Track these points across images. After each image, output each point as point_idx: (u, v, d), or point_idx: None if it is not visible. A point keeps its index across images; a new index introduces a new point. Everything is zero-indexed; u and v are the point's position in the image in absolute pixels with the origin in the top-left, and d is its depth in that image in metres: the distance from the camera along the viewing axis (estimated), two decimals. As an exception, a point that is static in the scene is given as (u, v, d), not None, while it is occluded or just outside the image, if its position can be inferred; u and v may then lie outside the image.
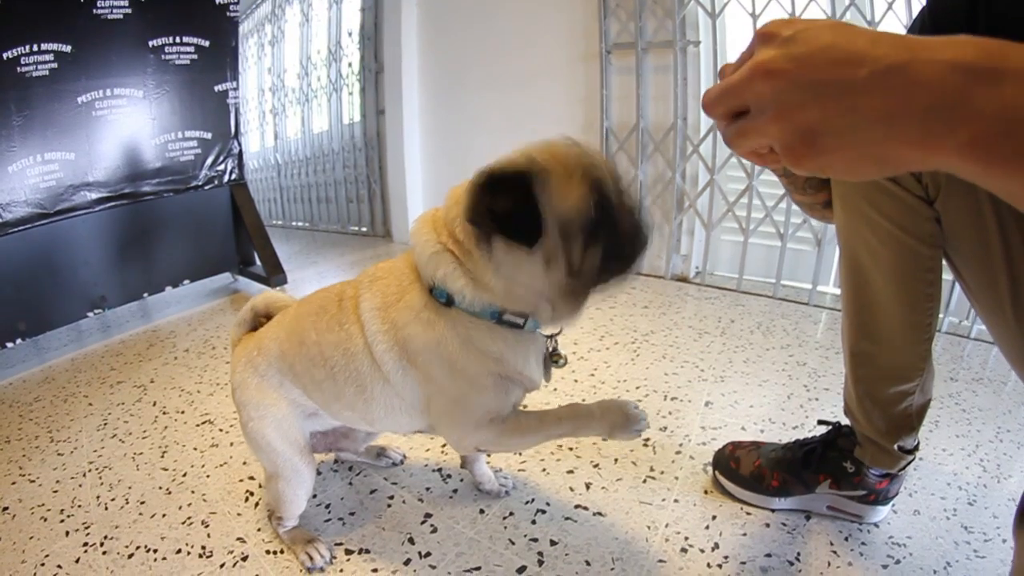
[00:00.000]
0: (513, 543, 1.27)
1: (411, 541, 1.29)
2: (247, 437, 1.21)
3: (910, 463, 1.21)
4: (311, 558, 1.22)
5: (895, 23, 2.14)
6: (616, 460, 1.52)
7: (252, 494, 1.47)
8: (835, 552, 1.20)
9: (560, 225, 0.89)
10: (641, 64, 2.79)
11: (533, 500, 1.39)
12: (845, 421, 1.28)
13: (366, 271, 1.12)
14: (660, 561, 1.21)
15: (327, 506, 1.42)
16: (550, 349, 1.11)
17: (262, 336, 1.24)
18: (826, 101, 0.41)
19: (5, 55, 2.15)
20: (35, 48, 2.22)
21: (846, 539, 1.24)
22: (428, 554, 1.25)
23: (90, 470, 1.61)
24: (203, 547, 1.31)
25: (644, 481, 1.45)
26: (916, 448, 1.20)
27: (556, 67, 3.09)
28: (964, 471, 1.44)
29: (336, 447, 1.47)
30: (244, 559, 1.26)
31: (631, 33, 2.79)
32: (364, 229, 4.33)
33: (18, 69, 2.19)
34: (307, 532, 1.29)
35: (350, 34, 3.81)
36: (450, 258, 0.97)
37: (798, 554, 1.20)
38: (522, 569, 1.20)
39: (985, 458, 1.48)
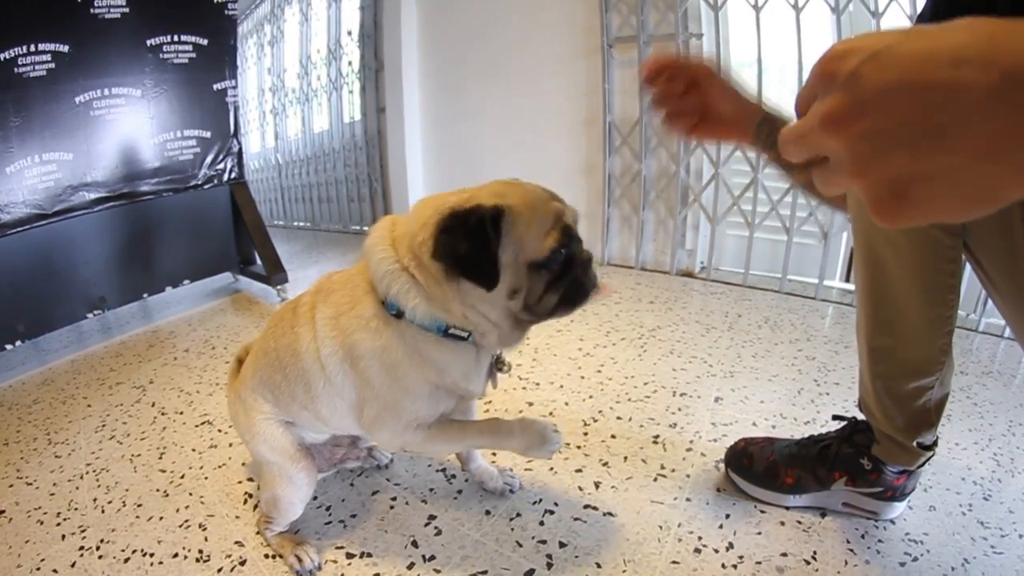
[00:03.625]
0: (521, 545, 1.24)
1: (415, 544, 1.26)
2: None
3: (929, 459, 1.18)
4: (300, 560, 1.20)
5: (899, 14, 2.10)
6: (625, 458, 1.49)
7: (251, 496, 1.44)
8: (852, 550, 1.17)
9: (528, 265, 0.96)
10: (643, 57, 2.75)
11: (541, 500, 1.36)
12: (860, 416, 1.24)
13: (321, 282, 1.17)
14: (673, 562, 1.17)
15: (328, 508, 1.38)
16: (494, 358, 1.15)
17: (244, 367, 1.31)
18: (911, 148, 0.34)
19: (2, 56, 2.12)
20: (32, 48, 2.19)
21: (862, 537, 1.21)
22: (432, 557, 1.22)
23: (87, 472, 1.58)
24: (200, 551, 1.28)
25: (655, 479, 1.41)
26: (935, 444, 1.17)
27: (558, 62, 3.06)
28: (978, 465, 1.41)
29: (339, 461, 1.45)
30: (242, 563, 1.23)
31: (633, 27, 2.76)
32: (366, 228, 4.24)
33: (15, 70, 2.16)
34: (295, 535, 1.28)
35: (349, 33, 3.79)
36: (406, 278, 1.01)
37: (814, 553, 1.17)
38: (530, 572, 1.17)
39: (999, 452, 1.46)
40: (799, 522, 1.26)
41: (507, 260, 0.95)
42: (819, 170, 0.41)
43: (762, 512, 1.29)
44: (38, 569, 1.26)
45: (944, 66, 0.32)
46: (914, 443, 1.14)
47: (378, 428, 1.11)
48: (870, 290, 1.08)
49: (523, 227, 0.95)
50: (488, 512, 1.33)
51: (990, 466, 1.40)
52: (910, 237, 0.99)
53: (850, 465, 1.22)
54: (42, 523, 1.40)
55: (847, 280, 2.60)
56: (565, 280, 0.98)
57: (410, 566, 1.20)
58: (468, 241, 0.93)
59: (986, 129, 0.32)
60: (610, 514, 1.31)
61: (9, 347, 2.28)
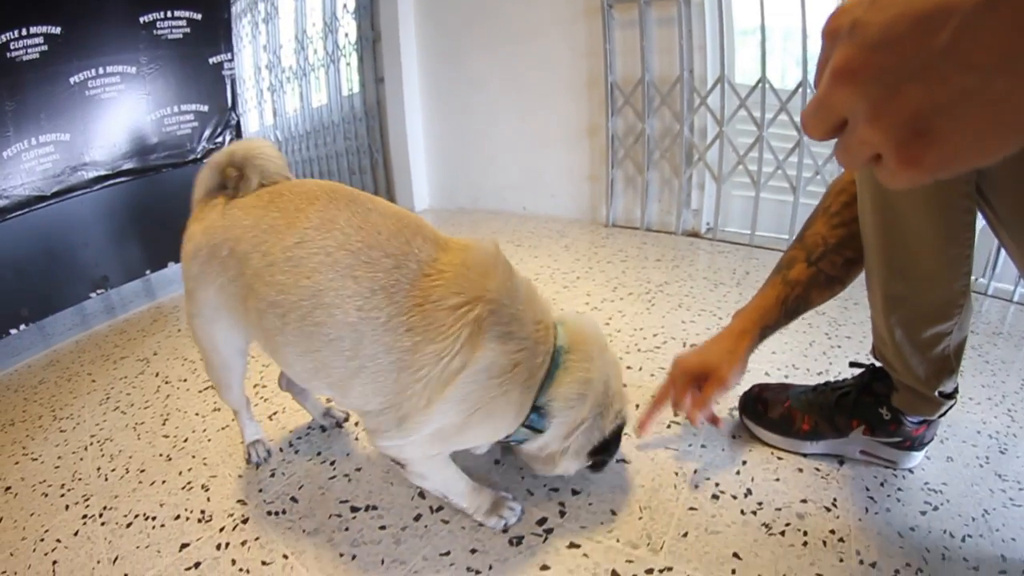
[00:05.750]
0: (532, 494, 1.21)
1: (421, 496, 1.23)
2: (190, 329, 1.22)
3: (951, 407, 1.14)
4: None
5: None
6: (637, 406, 1.45)
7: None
8: (872, 498, 1.15)
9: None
10: (644, 17, 2.69)
11: (550, 449, 1.32)
12: (878, 363, 1.20)
13: (492, 285, 0.96)
14: (691, 509, 1.15)
15: (332, 463, 1.36)
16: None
17: (231, 231, 1.04)
18: (922, 77, 0.33)
19: (-6, 42, 2.10)
20: (24, 32, 2.17)
21: (881, 484, 1.18)
22: (439, 508, 1.19)
23: (91, 443, 1.57)
24: (203, 511, 1.26)
25: (668, 426, 1.38)
26: (956, 392, 1.13)
27: (558, 23, 3.00)
28: (993, 420, 1.37)
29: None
30: (244, 521, 1.21)
31: (633, -14, 2.70)
32: (368, 199, 4.22)
33: (8, 55, 2.14)
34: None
35: (345, 6, 3.75)
36: (580, 423, 1.06)
37: (834, 499, 1.15)
38: (542, 521, 1.14)
39: (1013, 408, 1.42)
40: (817, 469, 1.23)
41: None
42: (841, 139, 0.39)
43: (779, 459, 1.26)
44: (42, 540, 1.24)
45: None
46: (935, 392, 1.09)
47: (407, 435, 0.97)
48: (884, 236, 1.02)
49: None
50: (497, 461, 1.31)
51: (1005, 421, 1.37)
52: None
53: (869, 414, 1.18)
54: (46, 495, 1.39)
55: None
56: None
57: (417, 517, 1.17)
58: (612, 456, 1.15)
59: (990, 38, 0.30)
60: (623, 461, 1.28)
61: (14, 331, 2.26)
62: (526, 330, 0.98)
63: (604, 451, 1.10)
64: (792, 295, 1.17)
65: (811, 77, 2.29)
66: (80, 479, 1.43)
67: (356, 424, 1.49)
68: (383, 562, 1.08)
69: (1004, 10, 0.29)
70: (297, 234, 0.95)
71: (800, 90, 2.32)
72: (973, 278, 2.07)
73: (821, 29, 0.38)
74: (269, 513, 1.22)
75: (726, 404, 1.44)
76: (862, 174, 1.02)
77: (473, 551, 1.08)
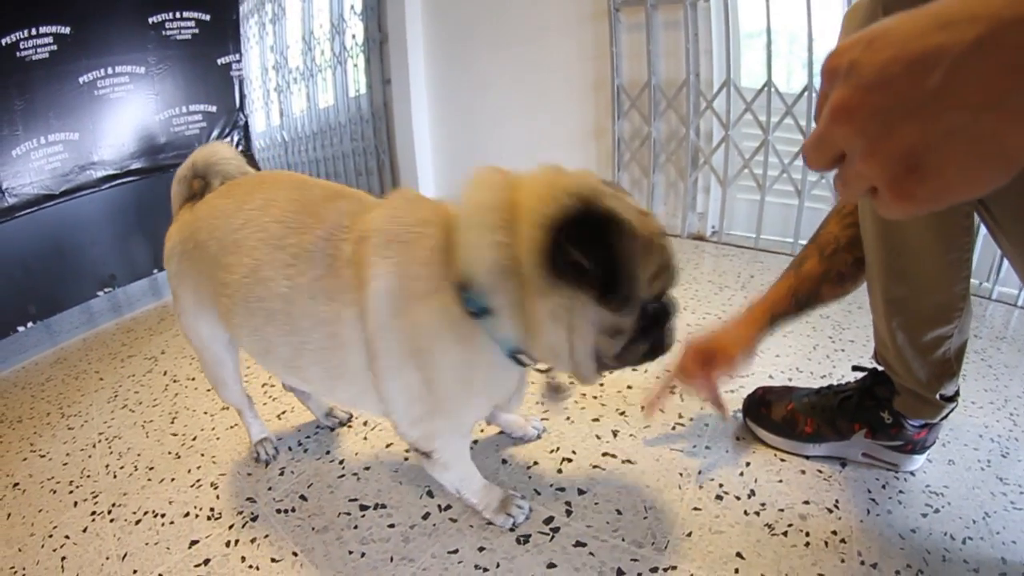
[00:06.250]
0: (539, 493, 1.21)
1: (430, 494, 1.24)
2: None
3: (952, 411, 1.14)
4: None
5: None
6: (642, 407, 1.45)
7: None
8: (873, 500, 1.15)
9: (641, 304, 0.81)
10: (651, 20, 2.70)
11: (558, 449, 1.33)
12: (880, 367, 1.20)
13: (377, 215, 0.91)
14: (695, 509, 1.15)
15: (340, 462, 1.37)
16: (551, 381, 1.03)
17: (197, 224, 1.06)
18: (915, 116, 0.35)
19: (4, 40, 2.12)
20: (34, 32, 2.19)
21: (883, 487, 1.18)
22: (448, 507, 1.19)
23: (100, 441, 1.58)
24: (212, 509, 1.26)
25: (673, 428, 1.39)
26: (957, 395, 1.13)
27: (565, 27, 3.01)
28: (995, 424, 1.38)
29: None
30: (254, 519, 1.22)
31: (640, -11, 2.71)
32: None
33: (17, 54, 2.16)
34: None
35: (352, 7, 3.76)
36: (506, 268, 0.80)
37: (836, 501, 1.15)
38: (549, 520, 1.15)
39: (1015, 412, 1.42)
40: (819, 471, 1.23)
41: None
42: (840, 171, 0.41)
43: (782, 460, 1.27)
44: (50, 536, 1.25)
45: (932, 32, 0.34)
46: (936, 395, 1.10)
47: (420, 426, 0.97)
48: (883, 240, 1.03)
49: (641, 258, 0.79)
50: (504, 461, 1.31)
51: (1007, 425, 1.37)
52: None
53: (871, 418, 1.19)
54: (55, 492, 1.40)
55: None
56: (656, 330, 0.86)
57: (425, 516, 1.18)
58: (596, 246, 0.75)
59: (979, 78, 0.32)
60: (629, 461, 1.29)
61: (21, 329, 2.28)
62: (406, 229, 0.88)
63: (565, 253, 0.76)
64: (804, 287, 1.18)
65: (816, 80, 2.29)
66: (89, 476, 1.44)
67: (364, 423, 1.50)
68: (392, 559, 1.08)
69: (991, 52, 0.31)
70: (242, 216, 0.98)
71: (805, 94, 2.32)
72: (977, 282, 2.09)
73: (820, 68, 0.40)
74: (278, 511, 1.23)
75: (730, 406, 1.44)
76: None
77: (481, 549, 1.09)
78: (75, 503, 1.35)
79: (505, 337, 0.85)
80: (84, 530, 1.25)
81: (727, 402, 1.25)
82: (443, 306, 0.84)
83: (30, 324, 2.31)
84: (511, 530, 1.13)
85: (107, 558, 1.17)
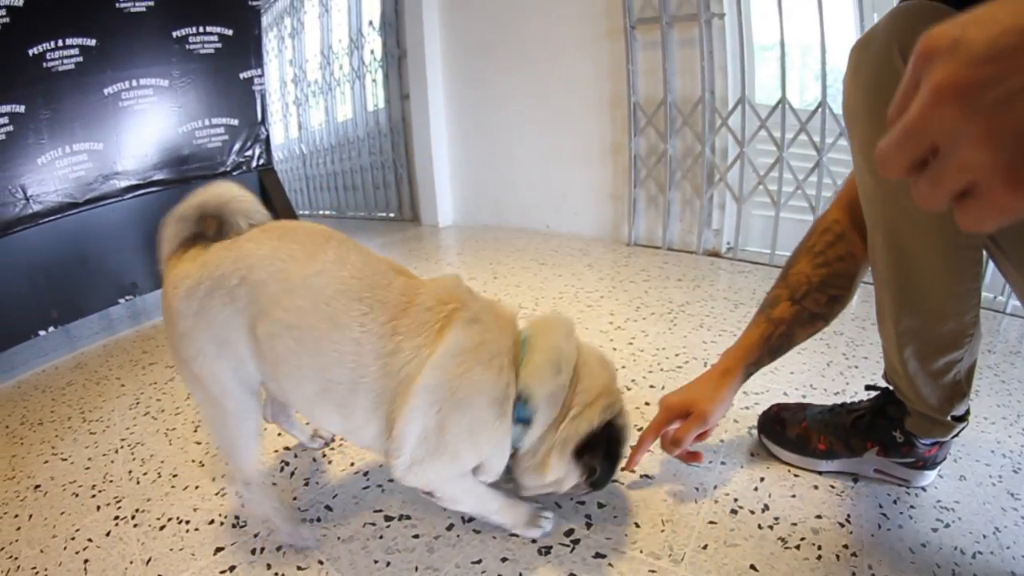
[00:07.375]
0: (560, 506, 1.23)
1: (453, 507, 1.25)
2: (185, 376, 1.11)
3: (963, 429, 1.15)
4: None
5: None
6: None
7: (287, 464, 1.45)
8: (884, 515, 1.16)
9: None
10: (667, 38, 2.74)
11: (577, 463, 1.34)
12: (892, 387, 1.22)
13: (462, 294, 1.07)
14: (711, 523, 1.16)
15: (365, 474, 1.38)
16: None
17: (210, 266, 1.03)
18: None
19: (31, 51, 2.17)
20: (60, 44, 2.24)
21: (895, 502, 1.19)
22: (471, 519, 1.21)
23: (122, 447, 1.60)
24: (237, 517, 1.28)
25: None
26: (967, 414, 1.14)
27: (581, 44, 3.05)
28: (1007, 439, 1.38)
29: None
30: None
31: (655, 7, 2.75)
32: (392, 214, 4.32)
33: (44, 65, 2.21)
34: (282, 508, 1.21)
35: (371, 23, 3.81)
36: (557, 409, 1.05)
37: (848, 516, 1.16)
38: (570, 532, 1.16)
39: None
40: (832, 486, 1.24)
41: None
42: (932, 170, 0.37)
43: (795, 476, 1.28)
44: (73, 539, 1.26)
45: None
46: (948, 416, 1.11)
47: (424, 466, 1.02)
48: (894, 272, 1.03)
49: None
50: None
51: (1019, 441, 1.37)
52: (937, 217, 0.94)
53: (883, 437, 1.20)
54: (77, 495, 1.41)
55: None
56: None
57: (449, 527, 1.19)
58: (612, 467, 1.10)
59: None
60: (647, 476, 1.30)
61: (42, 333, 2.31)
62: (491, 320, 1.06)
63: (593, 449, 1.06)
64: (776, 333, 1.20)
65: (831, 95, 2.32)
66: (111, 481, 1.45)
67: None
68: (416, 569, 1.10)
69: None
70: (318, 265, 1.02)
71: (820, 111, 2.35)
72: (992, 296, 2.10)
73: (912, 56, 0.36)
74: (304, 520, 1.24)
75: (745, 423, 1.46)
76: (876, 216, 1.02)
77: (504, 560, 1.10)
78: (98, 507, 1.36)
79: (518, 439, 1.05)
80: (107, 534, 1.26)
81: (700, 452, 1.29)
82: (498, 380, 1.01)
83: (51, 329, 2.34)
84: (533, 541, 1.14)
85: (131, 562, 1.18)
